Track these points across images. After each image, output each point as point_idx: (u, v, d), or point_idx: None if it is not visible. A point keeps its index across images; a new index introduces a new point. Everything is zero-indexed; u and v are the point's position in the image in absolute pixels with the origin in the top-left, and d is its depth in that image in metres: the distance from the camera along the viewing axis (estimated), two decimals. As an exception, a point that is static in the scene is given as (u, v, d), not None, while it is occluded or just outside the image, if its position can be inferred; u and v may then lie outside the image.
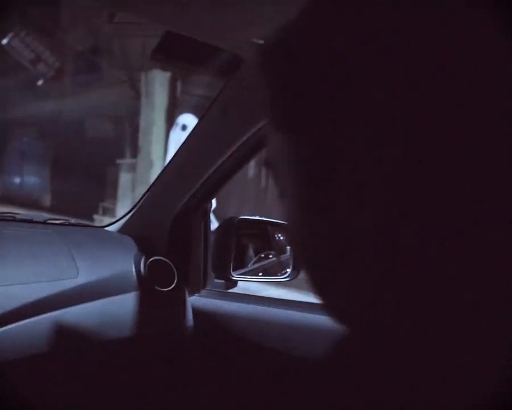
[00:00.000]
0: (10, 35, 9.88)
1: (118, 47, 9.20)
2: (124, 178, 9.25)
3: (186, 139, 1.49)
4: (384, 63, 0.36)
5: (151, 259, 1.44)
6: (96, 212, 9.34)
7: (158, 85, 8.68)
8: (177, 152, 1.50)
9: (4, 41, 9.94)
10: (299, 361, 1.16)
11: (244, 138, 1.33)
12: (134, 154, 9.24)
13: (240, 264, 1.62)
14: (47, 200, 11.12)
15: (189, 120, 7.55)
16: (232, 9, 1.02)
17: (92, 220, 8.61)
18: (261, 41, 1.00)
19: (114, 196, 9.34)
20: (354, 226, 0.38)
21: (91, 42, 9.83)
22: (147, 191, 1.59)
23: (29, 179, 12.03)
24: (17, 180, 12.22)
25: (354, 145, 0.37)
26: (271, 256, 1.75)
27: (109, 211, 9.09)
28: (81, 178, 9.99)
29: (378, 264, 0.38)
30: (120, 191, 9.17)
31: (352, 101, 0.37)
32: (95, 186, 9.81)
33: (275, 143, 0.44)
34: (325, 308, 0.44)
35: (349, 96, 0.37)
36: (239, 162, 1.42)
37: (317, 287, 0.43)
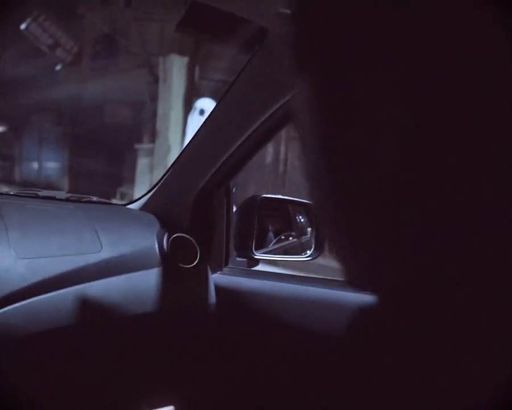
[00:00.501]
0: (28, 20, 9.91)
1: (135, 32, 9.20)
2: (142, 163, 9.29)
3: (208, 117, 1.48)
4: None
5: (174, 236, 1.43)
6: (114, 197, 9.39)
7: (176, 69, 8.68)
8: (199, 129, 1.49)
9: (23, 27, 9.97)
10: (320, 337, 1.16)
11: (268, 114, 1.32)
12: (152, 139, 9.26)
13: (261, 243, 1.62)
14: (65, 185, 11.20)
15: (207, 104, 7.55)
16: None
17: (110, 204, 8.62)
18: (288, 11, 0.99)
19: (131, 181, 9.38)
20: (383, 199, 0.38)
21: (109, 27, 9.84)
22: (169, 168, 1.58)
23: (48, 164, 12.11)
24: (36, 165, 12.31)
25: (382, 115, 0.36)
26: (291, 238, 1.74)
27: (127, 196, 9.13)
28: (99, 163, 10.04)
29: (408, 236, 0.37)
30: (138, 176, 9.21)
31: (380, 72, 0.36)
32: (113, 171, 9.86)
33: (303, 117, 0.43)
34: (353, 282, 0.44)
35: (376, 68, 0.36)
36: (261, 139, 1.41)
37: (345, 263, 0.43)
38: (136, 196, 1.71)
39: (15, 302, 1.11)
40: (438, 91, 0.34)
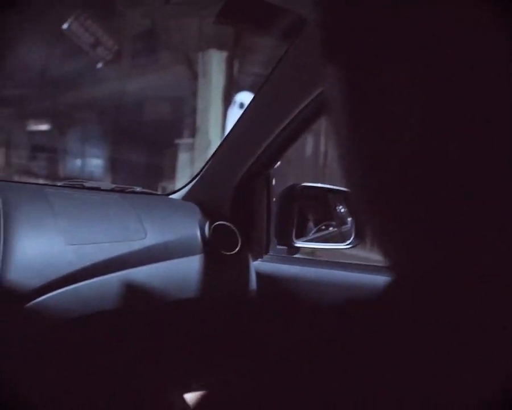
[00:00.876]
0: (70, 19, 10.07)
1: (175, 28, 9.26)
2: (183, 157, 9.36)
3: (247, 107, 1.50)
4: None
5: (215, 223, 1.46)
6: (156, 191, 9.46)
7: (215, 64, 8.71)
8: (238, 120, 1.52)
9: (65, 26, 10.14)
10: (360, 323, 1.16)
11: (305, 104, 1.33)
12: (192, 134, 9.32)
13: (301, 232, 1.63)
14: (108, 180, 11.37)
15: (246, 98, 7.55)
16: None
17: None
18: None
19: (172, 176, 9.47)
20: (423, 187, 0.37)
21: (149, 24, 9.93)
22: (210, 158, 1.61)
23: (91, 159, 12.31)
24: (79, 161, 12.52)
25: (423, 101, 0.36)
26: (331, 227, 1.75)
27: (168, 190, 9.19)
28: (140, 159, 10.16)
29: (449, 223, 0.37)
30: (179, 170, 9.29)
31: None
32: (154, 166, 9.97)
33: (337, 106, 0.43)
34: (393, 269, 0.44)
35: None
36: (299, 128, 1.42)
37: (385, 250, 0.43)
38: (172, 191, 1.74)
39: (63, 286, 1.15)
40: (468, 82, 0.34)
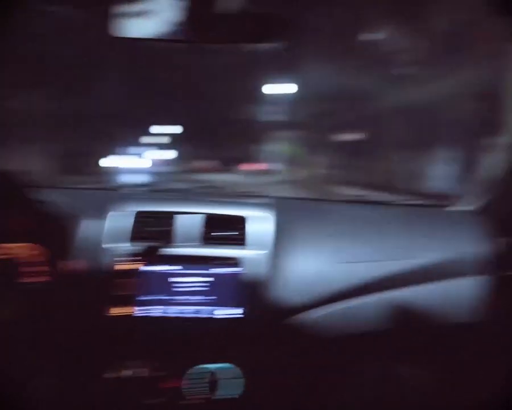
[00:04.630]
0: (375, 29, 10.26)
1: (485, 20, 8.79)
2: (487, 160, 8.82)
3: None
4: None
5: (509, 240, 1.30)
6: (460, 197, 9.09)
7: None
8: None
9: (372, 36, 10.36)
10: None
11: None
12: (499, 133, 8.73)
13: None
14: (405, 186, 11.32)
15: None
16: None
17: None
18: None
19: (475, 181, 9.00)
20: None
21: (454, 21, 9.61)
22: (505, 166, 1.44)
23: (400, 165, 12.35)
24: (389, 167, 12.66)
25: None
26: None
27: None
28: (446, 162, 9.89)
29: None
30: (483, 175, 8.79)
31: None
32: (459, 171, 9.60)
33: None
34: None
35: None
36: None
37: None
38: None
39: (331, 303, 1.16)
40: None
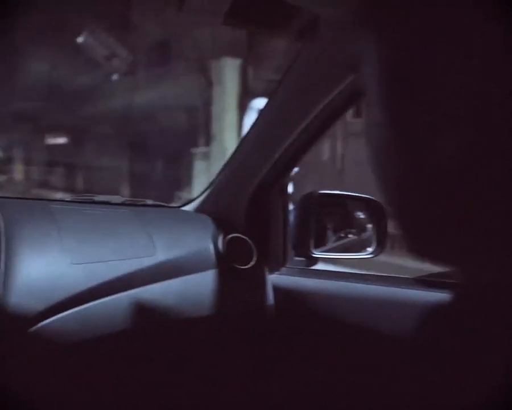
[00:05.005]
0: (85, 33, 10.16)
1: (188, 37, 9.29)
2: (199, 166, 9.37)
3: (259, 114, 1.44)
4: None
5: (229, 236, 1.40)
6: (173, 201, 9.50)
7: (229, 72, 8.72)
8: (251, 128, 1.46)
9: (80, 40, 10.23)
10: (385, 338, 1.10)
11: (319, 108, 1.27)
12: (208, 142, 9.33)
13: (320, 241, 1.56)
14: (125, 191, 11.43)
15: (262, 104, 7.54)
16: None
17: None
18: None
19: (189, 185, 9.48)
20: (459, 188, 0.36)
21: (163, 35, 9.98)
22: (223, 169, 1.55)
23: (108, 171, 12.38)
24: (96, 172, 12.60)
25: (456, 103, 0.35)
26: (351, 235, 1.68)
27: (184, 200, 9.20)
28: (157, 169, 10.20)
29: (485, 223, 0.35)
30: (195, 179, 9.30)
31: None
32: (171, 176, 9.99)
33: (376, 96, 0.41)
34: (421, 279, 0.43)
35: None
36: (315, 133, 1.36)
37: (419, 253, 0.40)
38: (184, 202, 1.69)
39: (70, 308, 1.09)
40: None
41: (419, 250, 0.40)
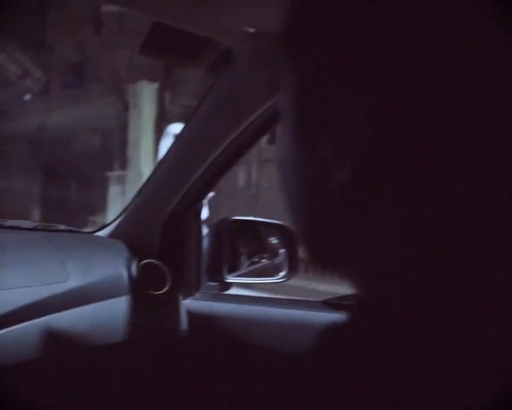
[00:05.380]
0: (-3, 50, 9.86)
1: (105, 60, 9.20)
2: (114, 191, 9.23)
3: (175, 140, 1.47)
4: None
5: (143, 262, 1.41)
6: (87, 226, 9.29)
7: (146, 96, 8.68)
8: (166, 153, 1.48)
9: (-9, 57, 9.91)
10: (295, 359, 1.14)
11: (233, 136, 1.31)
12: (124, 166, 9.22)
13: (233, 266, 1.59)
14: (38, 215, 11.09)
15: (179, 129, 7.55)
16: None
17: (83, 233, 8.55)
18: (253, 30, 0.98)
19: (104, 209, 9.30)
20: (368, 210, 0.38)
21: (79, 56, 9.83)
22: (137, 194, 1.56)
23: (18, 195, 11.97)
24: (5, 196, 12.16)
25: (368, 125, 0.37)
26: (264, 260, 1.72)
27: (99, 225, 9.02)
28: (71, 192, 9.96)
29: (395, 245, 0.38)
30: (110, 204, 9.14)
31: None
32: (86, 200, 9.78)
33: (289, 122, 0.43)
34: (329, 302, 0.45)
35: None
36: (229, 160, 1.39)
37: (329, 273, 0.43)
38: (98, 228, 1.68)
39: None
40: (429, 93, 0.35)
41: (322, 268, 0.43)
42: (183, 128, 1.45)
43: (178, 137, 1.45)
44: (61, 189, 10.14)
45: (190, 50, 1.16)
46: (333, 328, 0.42)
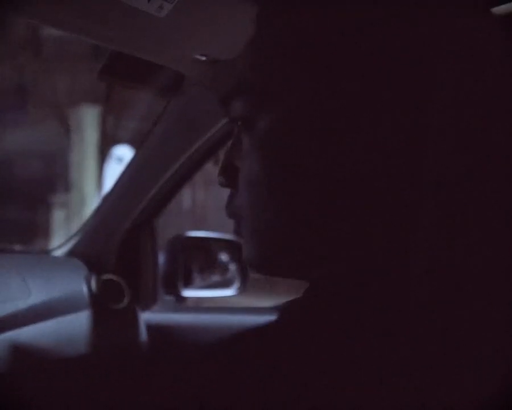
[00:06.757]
0: None
1: (46, 83, 9.06)
2: (58, 215, 9.04)
3: (131, 160, 1.52)
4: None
5: (102, 278, 1.45)
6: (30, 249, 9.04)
7: (88, 119, 8.58)
8: (122, 173, 1.53)
9: None
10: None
11: (186, 156, 1.39)
12: (67, 190, 9.05)
13: (188, 281, 1.65)
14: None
15: (124, 152, 7.50)
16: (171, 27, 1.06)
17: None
18: (204, 58, 1.05)
19: (47, 234, 9.10)
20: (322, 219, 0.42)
21: (19, 79, 9.64)
22: (93, 212, 1.60)
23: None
24: None
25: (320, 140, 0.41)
26: (217, 274, 1.78)
27: (43, 249, 8.80)
28: (12, 217, 9.70)
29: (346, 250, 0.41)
30: (54, 228, 8.95)
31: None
32: (28, 225, 9.54)
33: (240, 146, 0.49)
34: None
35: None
36: (183, 178, 1.46)
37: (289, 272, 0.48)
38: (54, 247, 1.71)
39: None
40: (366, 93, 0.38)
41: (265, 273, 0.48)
42: (138, 149, 1.51)
43: (133, 158, 1.51)
44: (3, 214, 9.88)
45: (145, 74, 1.21)
46: (267, 329, 0.46)
